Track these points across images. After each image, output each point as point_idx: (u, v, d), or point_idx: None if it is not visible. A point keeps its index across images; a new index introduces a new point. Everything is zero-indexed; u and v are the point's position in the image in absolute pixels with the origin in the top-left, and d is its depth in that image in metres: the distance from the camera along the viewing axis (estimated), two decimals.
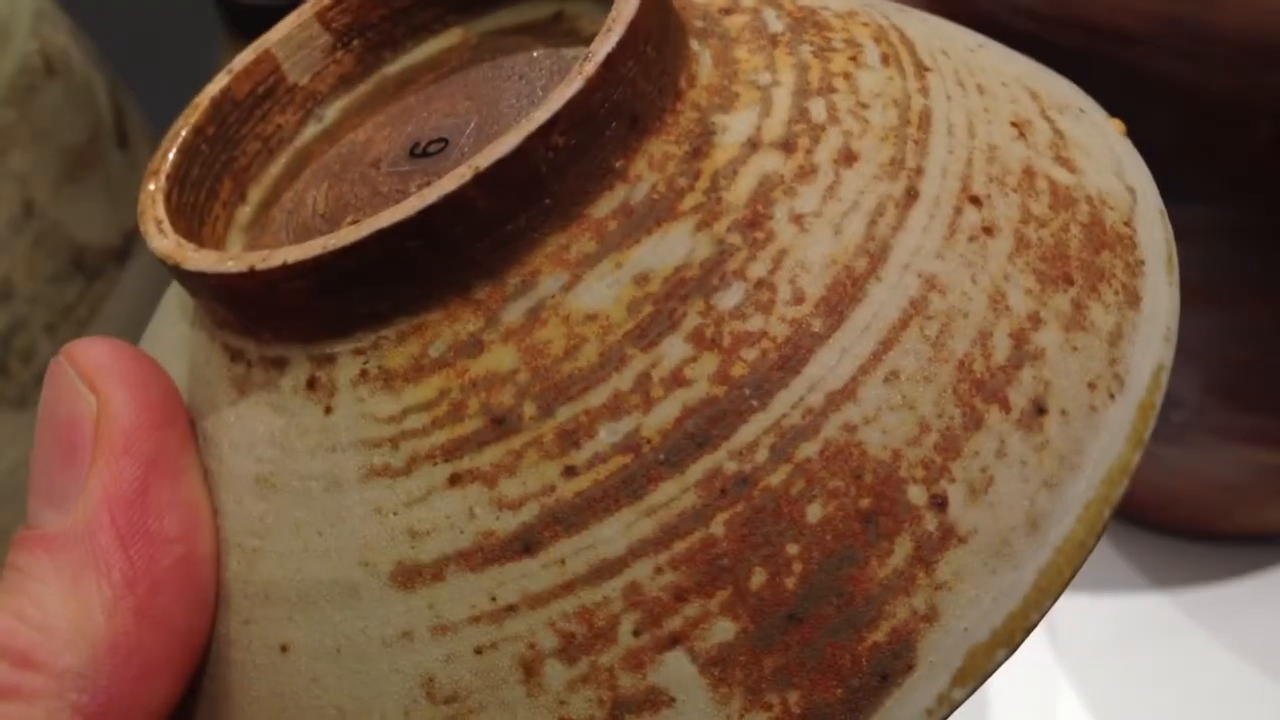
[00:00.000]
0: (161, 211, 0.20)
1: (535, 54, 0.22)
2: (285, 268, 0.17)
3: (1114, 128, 0.22)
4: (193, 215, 0.20)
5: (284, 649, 0.18)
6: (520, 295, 0.18)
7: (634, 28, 0.18)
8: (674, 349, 0.17)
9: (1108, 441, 0.18)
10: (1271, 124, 0.32)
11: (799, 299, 0.18)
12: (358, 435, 0.18)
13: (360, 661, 0.18)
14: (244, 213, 0.22)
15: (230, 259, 0.18)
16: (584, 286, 0.18)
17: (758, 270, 0.18)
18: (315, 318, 0.18)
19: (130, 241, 0.40)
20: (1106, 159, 0.21)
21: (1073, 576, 0.17)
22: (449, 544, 0.17)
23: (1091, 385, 0.18)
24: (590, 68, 0.17)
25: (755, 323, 0.17)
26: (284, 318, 0.18)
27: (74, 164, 0.38)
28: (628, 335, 0.17)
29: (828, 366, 0.17)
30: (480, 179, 0.17)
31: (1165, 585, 0.43)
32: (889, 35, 0.21)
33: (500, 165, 0.17)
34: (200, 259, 0.18)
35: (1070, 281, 0.19)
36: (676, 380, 0.17)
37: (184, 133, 0.21)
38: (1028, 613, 0.17)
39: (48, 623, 0.18)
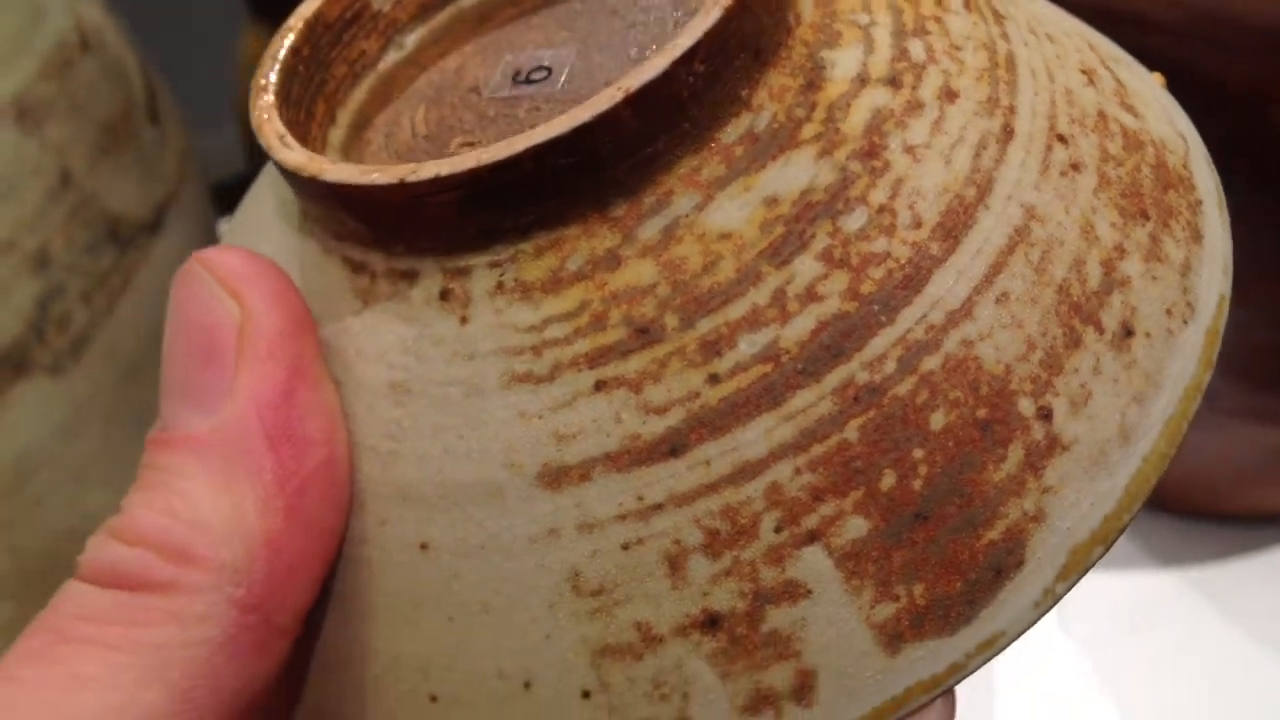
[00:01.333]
0: (280, 125, 0.20)
1: None
2: (436, 180, 0.18)
3: (1155, 80, 0.24)
4: (296, 134, 0.21)
5: (424, 547, 0.19)
6: (656, 213, 0.19)
7: None
8: (806, 267, 0.18)
9: (1183, 363, 0.20)
10: None
11: (917, 223, 0.19)
12: (497, 343, 0.19)
13: (505, 557, 0.18)
14: (336, 134, 0.23)
15: (375, 171, 0.19)
16: (716, 206, 0.19)
17: (878, 196, 0.19)
18: (455, 231, 0.19)
19: (161, 214, 0.41)
20: (1159, 108, 0.23)
21: (1156, 484, 0.19)
22: (596, 446, 0.18)
23: (1169, 311, 0.20)
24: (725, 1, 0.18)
25: (879, 244, 0.19)
26: (422, 230, 0.19)
27: (109, 137, 0.39)
28: (761, 253, 0.18)
29: (946, 287, 0.18)
30: (631, 100, 0.18)
31: (1175, 564, 0.44)
32: None
33: (650, 87, 0.18)
34: (341, 171, 0.19)
35: (1147, 216, 0.20)
36: (810, 296, 0.18)
37: (283, 52, 0.21)
38: (1120, 515, 0.19)
39: (200, 519, 0.18)
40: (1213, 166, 0.22)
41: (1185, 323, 0.20)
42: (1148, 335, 0.19)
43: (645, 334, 0.18)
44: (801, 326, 0.18)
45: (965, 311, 0.18)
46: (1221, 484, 0.41)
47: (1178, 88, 0.33)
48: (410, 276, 0.19)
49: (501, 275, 0.19)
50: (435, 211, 0.18)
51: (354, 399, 0.20)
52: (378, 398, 0.19)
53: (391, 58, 0.23)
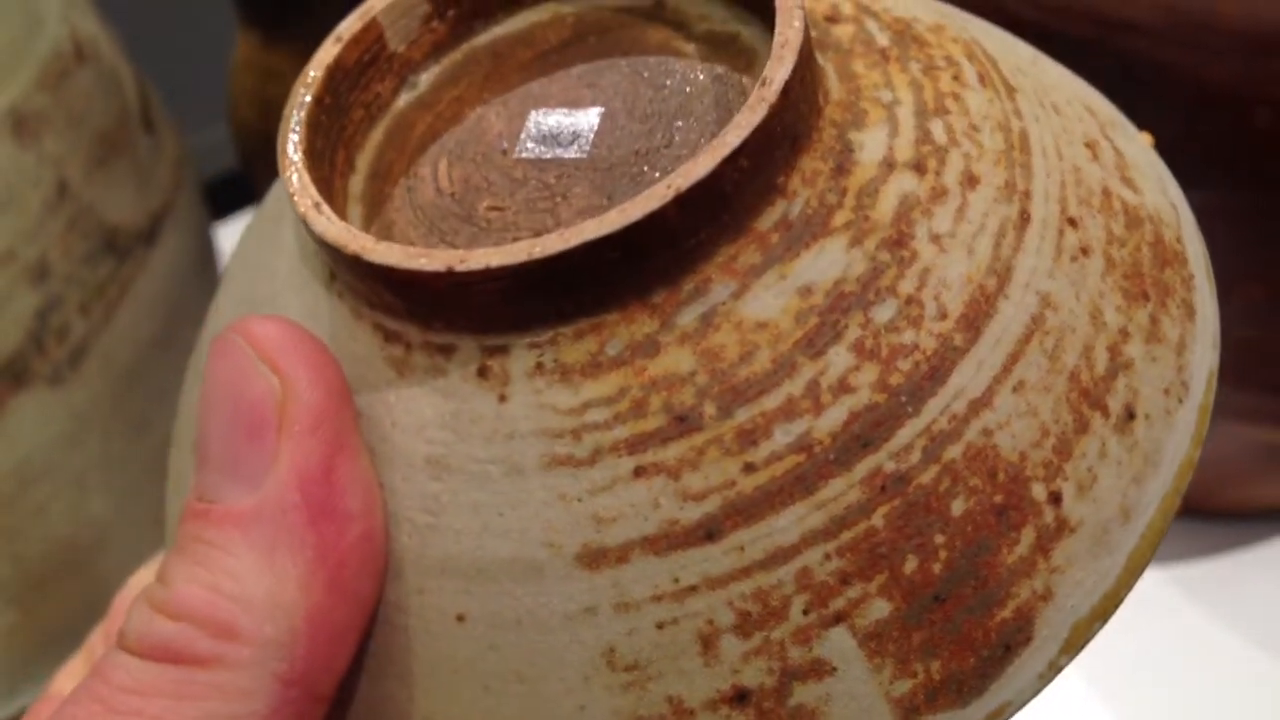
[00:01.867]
0: (314, 192, 0.20)
1: (652, 55, 0.23)
2: (487, 272, 0.18)
3: (1143, 141, 0.24)
4: (321, 190, 0.21)
5: (460, 618, 0.19)
6: (694, 300, 0.19)
7: (803, 53, 0.19)
8: (839, 358, 0.19)
9: (1179, 441, 0.20)
10: (1270, 111, 0.33)
11: (943, 315, 0.19)
12: (538, 425, 0.19)
13: (541, 632, 0.19)
14: (355, 182, 0.22)
15: (423, 256, 0.19)
16: (752, 295, 0.19)
17: (906, 287, 0.19)
18: (498, 314, 0.19)
19: (156, 224, 0.41)
20: (1154, 177, 0.23)
21: (1152, 557, 0.20)
22: (634, 530, 0.19)
23: (1166, 391, 0.20)
24: (772, 95, 0.19)
25: (908, 336, 0.19)
26: (464, 312, 0.19)
27: (105, 148, 0.39)
28: (797, 344, 0.19)
29: (968, 377, 0.19)
30: (680, 199, 0.18)
31: (1161, 561, 0.44)
32: (977, 53, 0.22)
33: (698, 186, 0.18)
34: (386, 253, 0.19)
35: (1147, 298, 0.21)
36: (843, 387, 0.19)
37: (305, 106, 0.21)
38: (1119, 591, 0.20)
39: (245, 595, 0.19)
40: (1199, 234, 0.23)
41: (1180, 401, 0.21)
42: (1147, 417, 0.20)
43: (684, 422, 0.19)
44: (834, 418, 0.19)
45: (985, 401, 0.19)
46: (1207, 482, 0.42)
47: (1162, 90, 0.33)
48: (447, 351, 0.20)
49: (541, 356, 0.19)
50: (480, 297, 0.19)
51: (390, 470, 0.20)
52: (415, 471, 0.20)
53: (405, 98, 0.23)
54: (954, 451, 0.19)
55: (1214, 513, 0.44)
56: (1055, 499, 0.19)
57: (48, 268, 0.36)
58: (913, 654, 0.19)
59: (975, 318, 0.19)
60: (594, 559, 0.19)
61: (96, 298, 0.38)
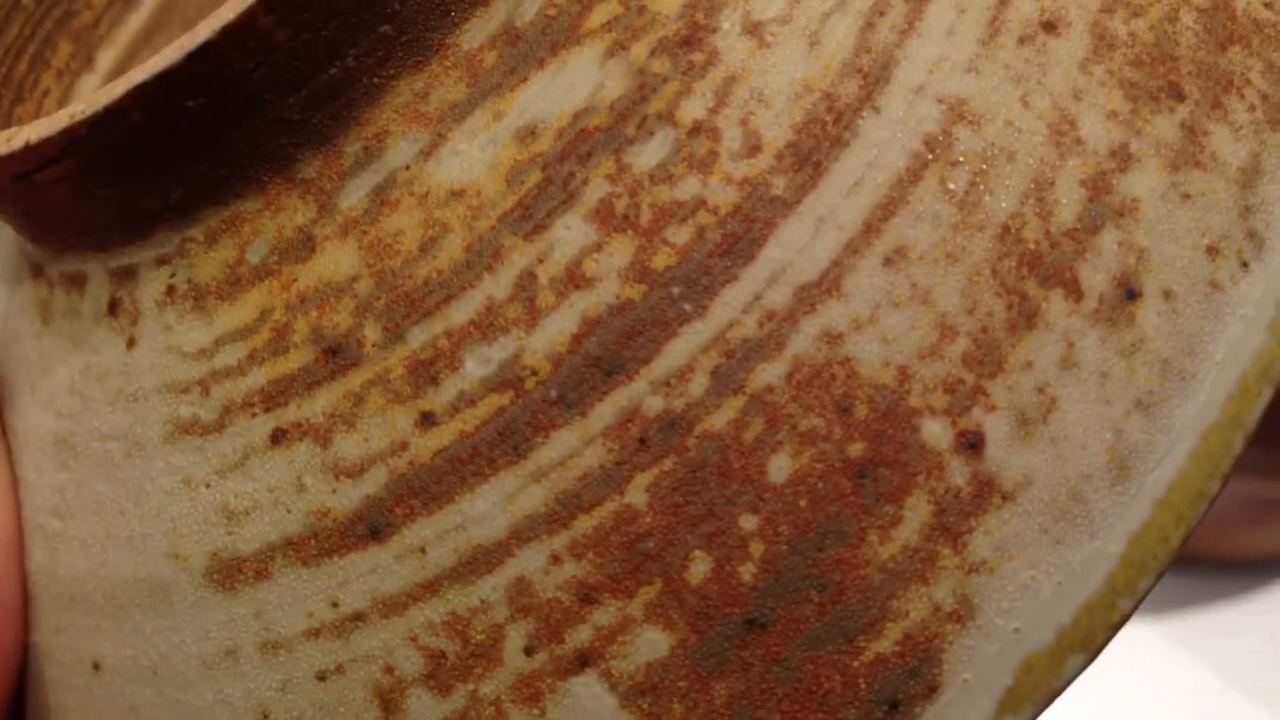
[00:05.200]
0: None
1: None
2: (29, 149, 0.13)
3: None
4: (5, 89, 0.16)
5: (96, 667, 0.14)
6: (362, 169, 0.13)
7: None
8: (570, 233, 0.12)
9: (1240, 332, 0.12)
10: None
11: (754, 148, 0.12)
12: (162, 377, 0.14)
13: (180, 688, 0.14)
14: (89, 84, 0.17)
15: None
16: (450, 150, 0.13)
17: (693, 109, 0.12)
18: (99, 216, 0.14)
19: None
20: None
21: (1185, 541, 0.12)
22: (273, 528, 0.13)
23: (1211, 250, 0.13)
24: None
25: (688, 187, 0.12)
26: (62, 219, 0.14)
27: None
28: (505, 217, 0.12)
29: (796, 247, 0.12)
30: (271, 1, 0.12)
31: (1147, 612, 0.44)
32: None
33: None
34: None
35: (1179, 95, 0.13)
36: (573, 279, 0.12)
37: None
38: (1112, 600, 0.12)
39: None
40: None
41: (1244, 265, 0.13)
42: (1166, 295, 0.12)
43: (336, 355, 0.13)
44: (558, 330, 0.12)
45: (828, 285, 0.12)
46: (1195, 532, 0.41)
47: None
48: (79, 283, 0.14)
49: (172, 276, 0.14)
50: (57, 193, 0.13)
51: (25, 457, 0.15)
52: (45, 456, 0.15)
53: None
54: (770, 373, 0.12)
55: (1204, 564, 0.44)
56: (970, 443, 0.12)
57: None
58: (717, 718, 0.12)
59: (813, 149, 0.12)
60: (227, 575, 0.13)
61: None
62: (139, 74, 0.12)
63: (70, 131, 0.12)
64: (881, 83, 0.12)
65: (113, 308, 0.14)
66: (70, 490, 0.14)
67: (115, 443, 0.14)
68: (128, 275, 0.14)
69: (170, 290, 0.14)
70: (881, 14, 0.13)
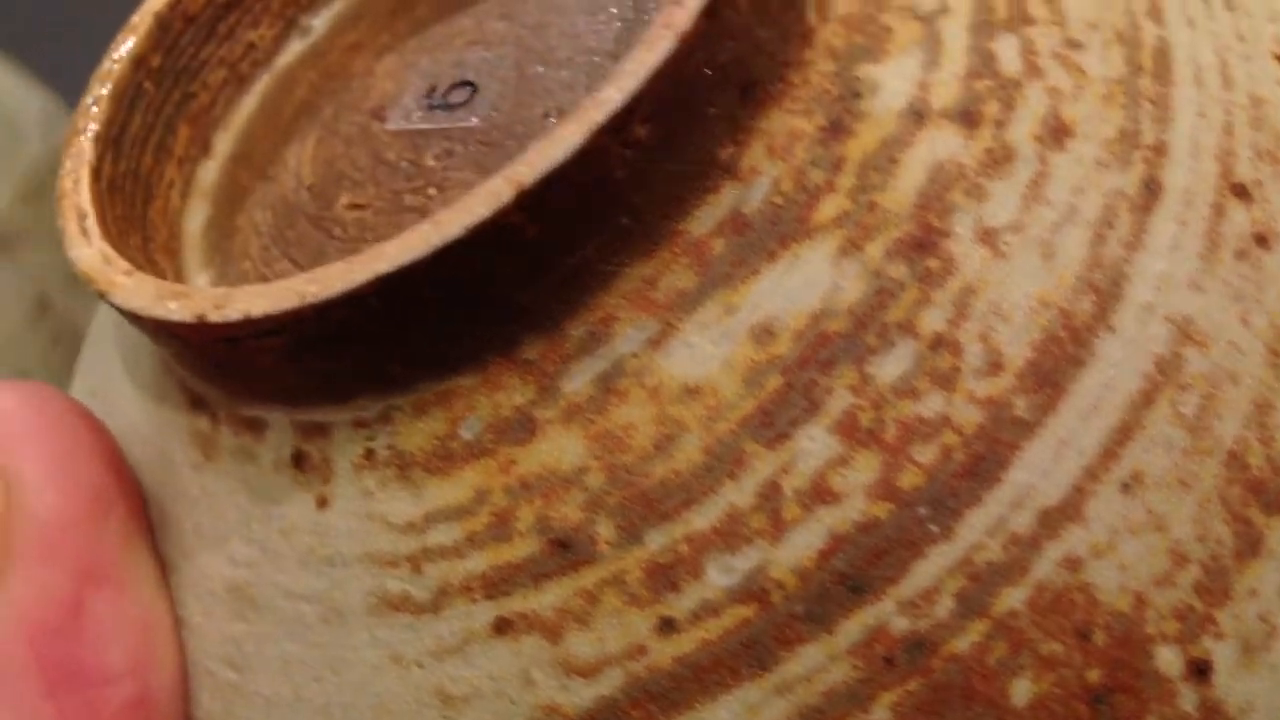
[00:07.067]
0: (87, 198, 0.14)
1: None
2: (248, 322, 0.12)
3: None
4: (136, 188, 0.15)
5: None
6: (587, 353, 0.13)
7: None
8: (815, 444, 0.12)
9: None
10: None
11: (995, 366, 0.12)
12: (365, 546, 0.13)
13: None
14: (208, 171, 0.17)
15: (171, 297, 0.13)
16: (681, 342, 0.12)
17: (933, 320, 0.12)
18: (296, 377, 0.13)
19: None
20: None
21: None
22: (497, 718, 0.13)
23: None
24: (683, 17, 0.12)
25: (932, 404, 0.12)
26: (255, 378, 0.14)
27: None
28: (746, 421, 0.12)
29: (1039, 470, 0.12)
30: (526, 200, 0.12)
31: None
32: None
33: (555, 178, 0.12)
34: (132, 292, 0.13)
35: None
36: (819, 494, 0.12)
37: (117, 68, 0.15)
38: None
39: None
40: None
41: None
42: None
43: (567, 550, 0.12)
44: (804, 545, 0.12)
45: (1069, 510, 0.12)
46: None
47: None
48: (256, 429, 0.14)
49: (370, 439, 0.13)
50: (259, 358, 0.13)
51: (191, 597, 0.14)
52: (217, 602, 0.14)
53: (295, 49, 0.17)
54: (1014, 598, 0.12)
55: None
56: (1199, 671, 0.12)
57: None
58: None
59: (1052, 369, 0.12)
60: None
61: None
62: (379, 263, 0.12)
63: (297, 312, 0.12)
64: (1114, 300, 0.13)
65: (298, 461, 0.14)
66: (250, 644, 0.14)
67: (309, 605, 0.14)
68: (317, 431, 0.14)
69: (369, 454, 0.13)
70: (1110, 226, 0.13)
